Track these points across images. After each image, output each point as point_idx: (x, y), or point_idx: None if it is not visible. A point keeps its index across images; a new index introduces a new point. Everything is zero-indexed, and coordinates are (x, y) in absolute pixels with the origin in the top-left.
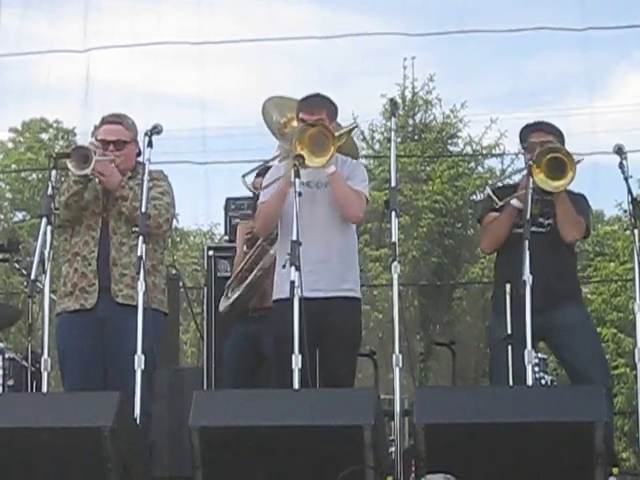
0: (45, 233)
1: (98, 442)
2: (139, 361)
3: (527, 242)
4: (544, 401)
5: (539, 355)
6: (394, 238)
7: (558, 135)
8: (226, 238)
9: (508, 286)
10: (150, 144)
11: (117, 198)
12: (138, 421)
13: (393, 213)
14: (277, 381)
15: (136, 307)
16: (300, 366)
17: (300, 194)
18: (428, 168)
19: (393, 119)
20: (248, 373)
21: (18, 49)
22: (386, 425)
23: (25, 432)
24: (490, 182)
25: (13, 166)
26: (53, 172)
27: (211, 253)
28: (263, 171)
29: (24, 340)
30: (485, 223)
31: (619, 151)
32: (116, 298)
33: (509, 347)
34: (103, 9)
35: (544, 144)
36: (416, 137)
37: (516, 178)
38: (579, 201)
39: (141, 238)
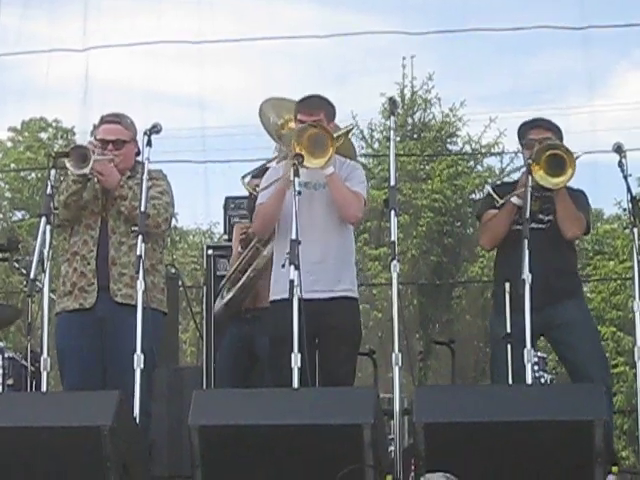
0: (44, 232)
1: (98, 441)
2: (138, 360)
3: (526, 241)
4: (543, 400)
5: (538, 354)
6: (393, 237)
7: (556, 131)
8: (225, 237)
9: (507, 284)
10: (149, 143)
11: (116, 197)
12: (137, 420)
13: (392, 212)
14: (275, 382)
15: (135, 306)
16: (299, 365)
17: (299, 193)
18: (427, 167)
19: (392, 118)
20: (242, 374)
21: (17, 48)
22: (385, 424)
23: (25, 431)
24: (489, 181)
25: (12, 165)
26: (52, 171)
27: (210, 252)
28: (260, 172)
29: (23, 339)
30: (484, 220)
31: (618, 149)
32: (115, 297)
33: (508, 346)
34: (102, 8)
35: (543, 141)
36: (415, 136)
37: (515, 176)
38: (579, 197)
39: (140, 237)
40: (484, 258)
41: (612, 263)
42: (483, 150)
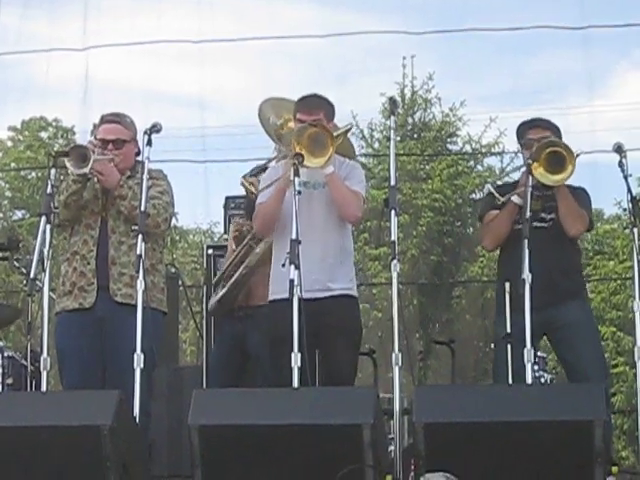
0: (44, 232)
1: (97, 441)
2: (138, 360)
3: (526, 241)
4: (543, 400)
5: (538, 354)
6: (393, 237)
7: (555, 131)
8: (225, 237)
9: (507, 284)
10: (149, 143)
11: (116, 197)
12: (137, 420)
13: (392, 212)
14: (275, 382)
15: (135, 306)
16: (299, 365)
17: (299, 193)
18: (427, 167)
19: (392, 118)
20: (235, 372)
21: (18, 47)
22: (385, 424)
23: (24, 431)
24: (489, 180)
25: (12, 164)
26: (52, 171)
27: (210, 252)
28: (257, 171)
29: (23, 339)
30: (486, 221)
31: (619, 149)
32: (115, 297)
33: (508, 346)
34: (102, 8)
35: (542, 140)
36: (415, 136)
37: (515, 176)
38: (580, 195)
39: (140, 237)
40: (484, 258)
41: (612, 263)
42: (483, 150)
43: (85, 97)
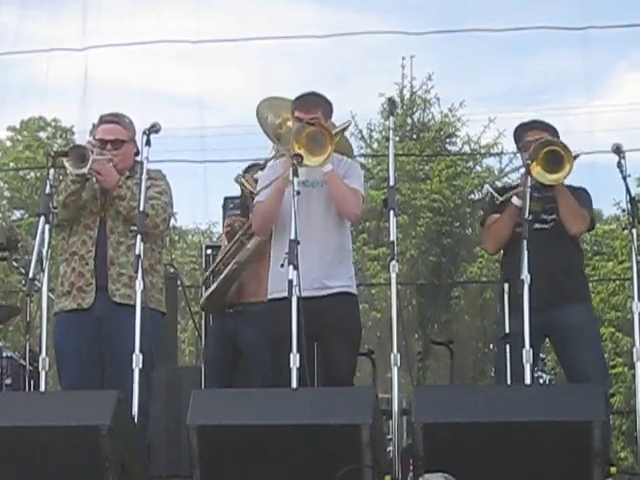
0: (43, 232)
1: (96, 441)
2: (137, 360)
3: (525, 242)
4: (542, 400)
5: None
6: (392, 237)
7: (553, 132)
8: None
9: (506, 285)
10: (148, 143)
11: (115, 197)
12: (136, 420)
13: (391, 212)
14: (275, 382)
15: (133, 306)
16: (298, 365)
17: (298, 193)
18: (426, 167)
19: (391, 118)
20: (227, 369)
21: (17, 48)
22: (384, 424)
23: (23, 431)
24: (488, 181)
25: (11, 164)
26: (51, 171)
27: (209, 252)
28: (254, 169)
29: (22, 339)
30: (488, 224)
31: (617, 150)
32: (113, 297)
33: (507, 346)
34: (102, 8)
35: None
36: (414, 136)
37: (514, 176)
38: (581, 194)
39: (139, 237)
40: (483, 259)
41: (611, 264)
42: (482, 150)
43: (84, 97)
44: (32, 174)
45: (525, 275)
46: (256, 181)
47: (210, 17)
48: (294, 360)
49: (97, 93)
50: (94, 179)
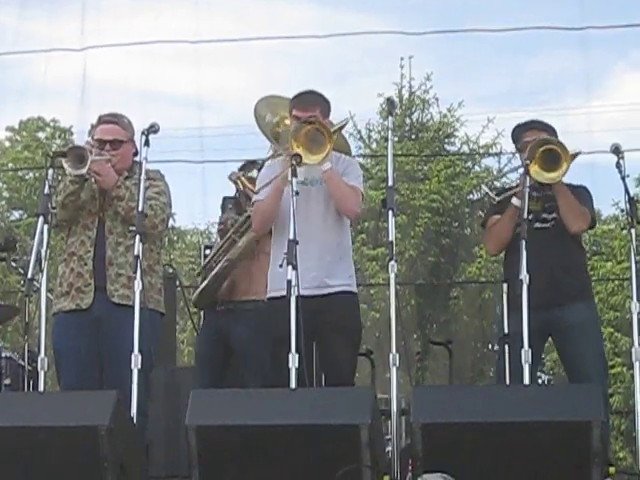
0: (42, 232)
1: (95, 441)
2: (136, 360)
3: (524, 242)
4: (541, 400)
5: None
6: (391, 237)
7: (551, 132)
8: None
9: (505, 285)
10: (147, 143)
11: (113, 198)
12: (135, 420)
13: (390, 212)
14: (274, 381)
15: (132, 307)
16: (297, 365)
17: (297, 193)
18: (425, 167)
19: (390, 118)
20: (219, 367)
21: (16, 48)
22: (383, 424)
23: (22, 431)
24: (487, 181)
25: (10, 165)
26: (50, 171)
27: (208, 252)
28: (246, 166)
29: (21, 339)
30: (489, 225)
31: (616, 150)
32: (112, 298)
33: (506, 346)
34: (101, 8)
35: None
36: (413, 136)
37: (513, 177)
38: (581, 193)
39: (138, 237)
40: (482, 259)
41: (610, 264)
42: (481, 150)
43: (83, 97)
44: (31, 174)
45: (524, 275)
46: (250, 179)
47: (209, 17)
48: (293, 360)
49: (96, 93)
50: (93, 179)
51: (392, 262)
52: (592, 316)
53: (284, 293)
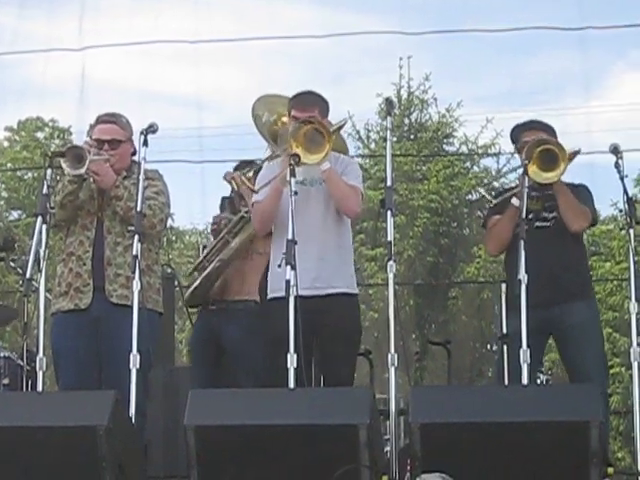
0: (40, 232)
1: (93, 441)
2: (134, 360)
3: (522, 242)
4: (539, 400)
5: None
6: (390, 237)
7: (551, 132)
8: None
9: (503, 285)
10: (146, 143)
11: (112, 198)
12: (133, 420)
13: (389, 212)
14: (273, 382)
15: (131, 307)
16: (296, 365)
17: (296, 193)
18: (424, 167)
19: (389, 118)
20: (212, 366)
21: (14, 48)
22: (381, 424)
23: (20, 431)
24: (485, 181)
25: (9, 165)
26: (48, 171)
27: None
28: (241, 166)
29: (19, 339)
30: (489, 226)
31: (615, 150)
32: (110, 298)
33: (504, 346)
34: (100, 8)
35: None
36: (412, 136)
37: (511, 177)
38: (581, 192)
39: (136, 237)
40: (480, 259)
41: (608, 264)
42: (480, 151)
43: (82, 97)
44: (29, 174)
45: (522, 275)
46: (245, 179)
47: (208, 17)
48: (291, 360)
49: (95, 93)
50: (91, 179)
51: (391, 262)
52: (592, 315)
53: (284, 294)
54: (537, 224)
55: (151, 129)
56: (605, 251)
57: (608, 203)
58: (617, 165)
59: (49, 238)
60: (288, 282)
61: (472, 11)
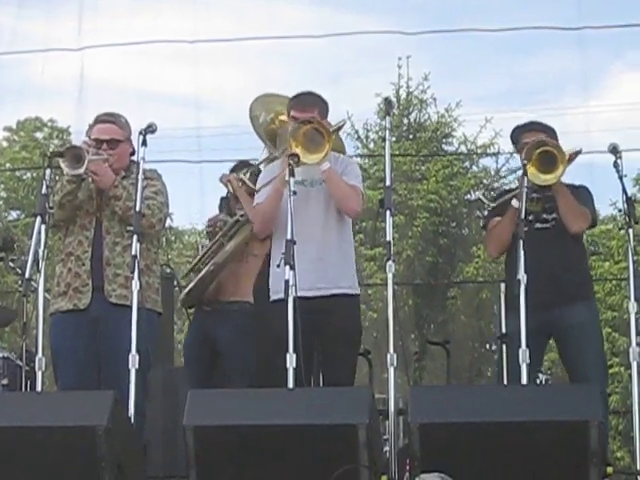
0: (39, 232)
1: (92, 441)
2: (133, 360)
3: (521, 242)
4: (539, 400)
5: None
6: (389, 237)
7: (551, 133)
8: None
9: (502, 285)
10: (144, 143)
11: (110, 197)
12: (132, 420)
13: (388, 212)
14: (273, 382)
15: (130, 307)
16: (295, 365)
17: (295, 193)
18: (423, 167)
19: (388, 118)
20: (207, 367)
21: (13, 47)
22: (380, 424)
23: (20, 431)
24: (485, 181)
25: (7, 165)
26: (47, 171)
27: None
28: (239, 166)
29: (18, 339)
30: (489, 228)
31: (614, 150)
32: (109, 298)
33: (503, 346)
34: (98, 8)
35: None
36: (411, 136)
37: (511, 177)
38: (581, 193)
39: (135, 237)
40: (479, 259)
41: (607, 264)
42: (479, 151)
43: (80, 97)
44: (28, 174)
45: (521, 275)
46: (241, 180)
47: (207, 17)
48: (290, 360)
49: (93, 93)
50: (90, 179)
51: (390, 262)
52: (591, 316)
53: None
54: (537, 225)
55: (150, 129)
56: (604, 251)
57: (607, 203)
58: (616, 165)
59: (48, 238)
60: (287, 282)
61: (471, 11)
